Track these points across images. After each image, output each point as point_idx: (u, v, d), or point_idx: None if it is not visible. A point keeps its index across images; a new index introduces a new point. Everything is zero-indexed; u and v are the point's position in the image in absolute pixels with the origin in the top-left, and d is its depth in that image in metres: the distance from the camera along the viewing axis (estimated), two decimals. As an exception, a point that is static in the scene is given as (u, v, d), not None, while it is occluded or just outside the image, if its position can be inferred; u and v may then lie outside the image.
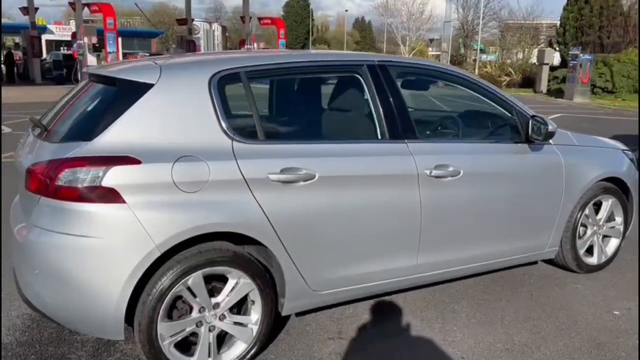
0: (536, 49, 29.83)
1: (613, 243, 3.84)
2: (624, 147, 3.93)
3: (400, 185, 2.83)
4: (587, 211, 3.61)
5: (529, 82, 25.34)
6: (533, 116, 3.25)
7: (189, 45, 32.14)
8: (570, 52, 20.86)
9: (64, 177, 2.22)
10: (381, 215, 2.80)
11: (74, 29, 21.81)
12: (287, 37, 40.34)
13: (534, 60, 28.91)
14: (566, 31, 24.80)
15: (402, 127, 2.88)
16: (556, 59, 26.57)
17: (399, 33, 52.40)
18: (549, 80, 23.37)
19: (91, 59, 21.26)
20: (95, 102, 2.62)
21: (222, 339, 2.58)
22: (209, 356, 2.48)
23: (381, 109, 2.85)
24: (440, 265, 3.08)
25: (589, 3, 23.93)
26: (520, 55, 32.84)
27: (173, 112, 2.43)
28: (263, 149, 2.53)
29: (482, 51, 37.45)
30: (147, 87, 2.40)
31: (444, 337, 2.93)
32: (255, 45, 32.80)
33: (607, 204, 3.72)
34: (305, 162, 2.57)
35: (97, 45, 21.53)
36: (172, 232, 2.29)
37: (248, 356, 2.58)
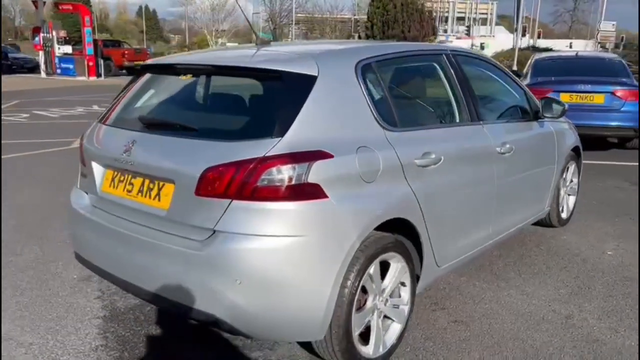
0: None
1: (572, 200, 4.70)
2: (569, 121, 4.81)
3: (486, 162, 3.16)
4: (564, 175, 4.37)
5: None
6: (542, 98, 3.87)
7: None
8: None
9: (267, 176, 2.07)
10: (478, 189, 3.11)
11: None
12: (72, 25, 36.55)
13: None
14: (374, 25, 27.37)
15: (476, 110, 3.21)
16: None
17: (205, 24, 51.75)
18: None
19: None
20: (254, 96, 2.47)
21: (376, 323, 2.62)
22: (380, 341, 2.52)
23: (462, 94, 3.13)
24: (499, 232, 3.48)
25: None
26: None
27: (335, 103, 2.39)
28: (405, 136, 2.62)
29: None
30: (312, 79, 2.32)
31: (518, 292, 3.35)
32: (54, 33, 29.33)
33: (572, 168, 4.55)
34: (434, 146, 2.73)
35: None
36: (365, 222, 2.29)
37: (403, 336, 2.67)
